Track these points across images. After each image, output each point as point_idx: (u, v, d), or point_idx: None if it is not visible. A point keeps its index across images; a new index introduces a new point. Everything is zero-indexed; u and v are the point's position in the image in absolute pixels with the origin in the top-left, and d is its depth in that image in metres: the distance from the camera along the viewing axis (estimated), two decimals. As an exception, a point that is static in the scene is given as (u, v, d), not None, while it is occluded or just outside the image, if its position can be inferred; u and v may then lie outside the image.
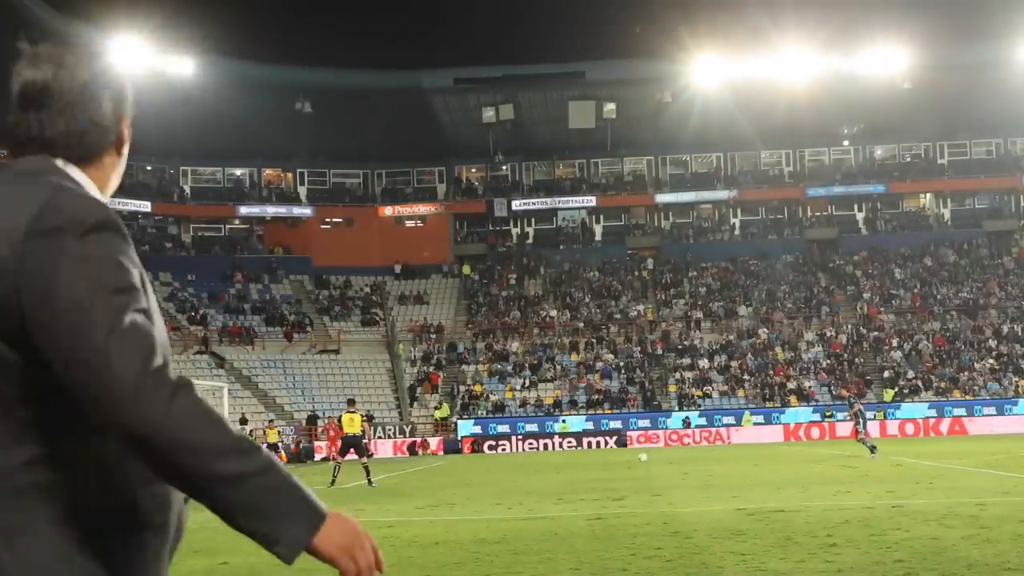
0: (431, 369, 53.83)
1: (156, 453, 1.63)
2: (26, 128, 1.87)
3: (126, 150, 2.01)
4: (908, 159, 65.94)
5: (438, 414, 50.02)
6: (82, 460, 1.74)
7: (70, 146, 1.87)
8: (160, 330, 1.81)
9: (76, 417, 1.71)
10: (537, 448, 46.70)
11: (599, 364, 53.24)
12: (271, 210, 63.28)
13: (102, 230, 1.72)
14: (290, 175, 64.93)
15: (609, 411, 49.81)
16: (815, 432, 46.80)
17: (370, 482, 23.47)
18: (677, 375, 52.27)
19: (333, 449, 27.01)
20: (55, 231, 1.69)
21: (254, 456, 1.68)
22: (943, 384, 50.21)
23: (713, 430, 47.37)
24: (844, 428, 42.47)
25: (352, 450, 24.54)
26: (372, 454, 28.83)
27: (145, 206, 60.06)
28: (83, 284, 1.66)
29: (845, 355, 53.14)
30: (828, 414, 46.97)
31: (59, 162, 1.86)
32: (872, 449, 28.72)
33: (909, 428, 46.82)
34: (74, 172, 1.87)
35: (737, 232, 65.21)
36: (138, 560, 1.79)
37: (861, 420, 29.28)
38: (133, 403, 1.62)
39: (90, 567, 1.72)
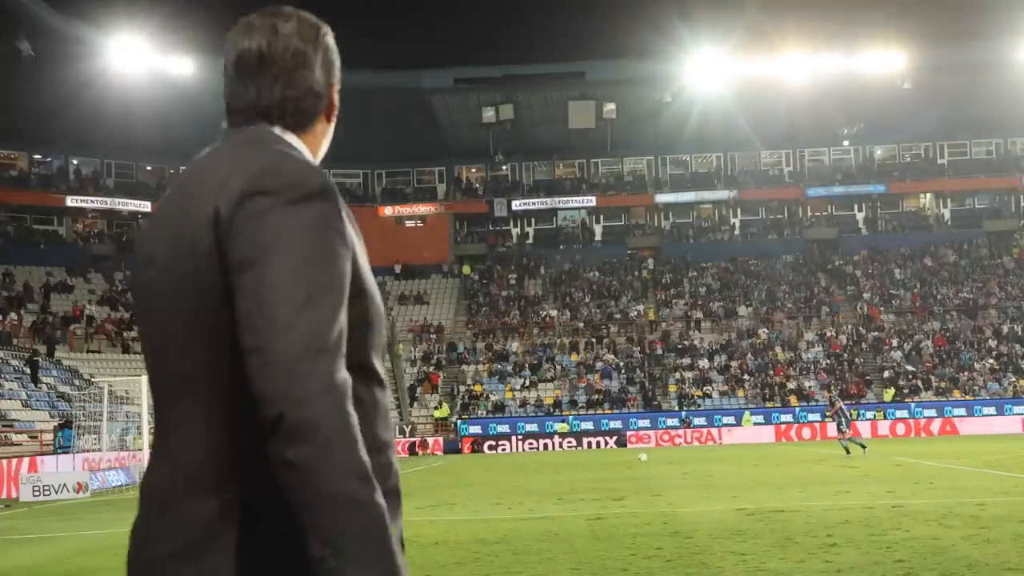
0: (431, 369, 53.83)
1: (279, 437, 1.56)
2: (242, 97, 1.87)
3: (335, 117, 1.98)
4: (908, 159, 65.93)
5: (438, 414, 50.02)
6: None
7: (285, 113, 1.87)
8: (375, 310, 1.77)
9: None
10: (537, 448, 46.70)
11: (599, 364, 53.23)
12: (271, 210, 63.21)
13: (317, 199, 1.67)
14: (290, 175, 64.86)
15: (609, 411, 49.80)
16: (807, 432, 46.77)
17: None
18: (677, 375, 52.26)
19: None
20: (270, 193, 1.66)
21: (368, 488, 1.57)
22: (943, 384, 50.21)
23: (705, 430, 47.37)
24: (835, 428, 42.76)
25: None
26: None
27: (145, 206, 59.96)
28: (282, 251, 1.62)
29: (845, 355, 53.13)
30: (829, 414, 46.93)
31: (277, 129, 1.85)
32: (847, 450, 28.97)
33: (900, 428, 46.85)
34: (292, 139, 1.86)
35: (737, 232, 65.20)
36: (396, 526, 1.72)
37: (843, 419, 29.59)
38: (283, 380, 1.56)
39: None
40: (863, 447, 28.81)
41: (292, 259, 1.61)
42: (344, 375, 1.61)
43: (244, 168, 1.71)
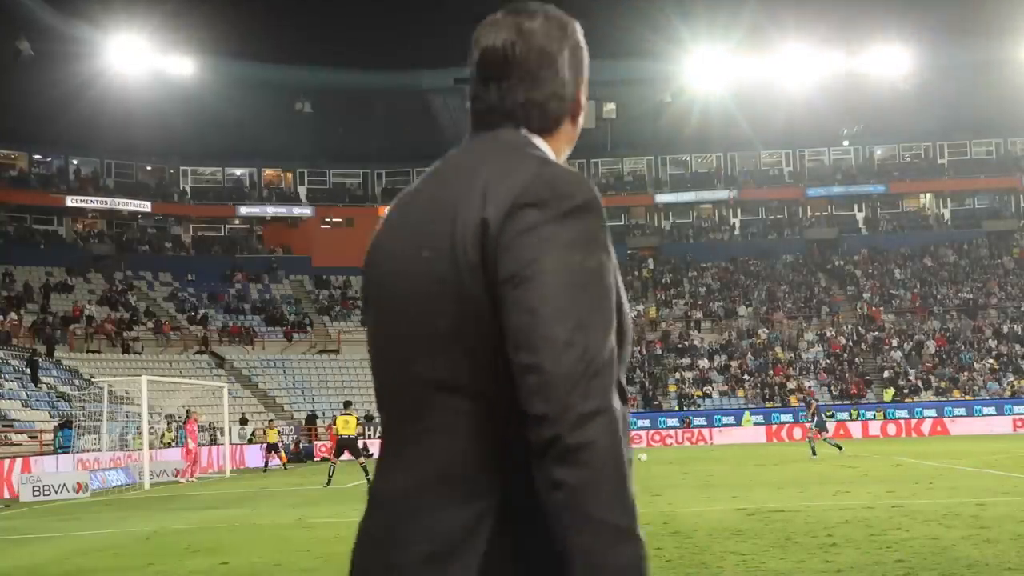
0: (431, 369, 53.77)
1: (552, 459, 1.51)
2: (486, 99, 1.81)
3: (582, 118, 1.90)
4: (908, 159, 65.93)
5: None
6: None
7: (531, 116, 1.79)
8: (628, 324, 1.73)
9: None
10: (537, 448, 46.56)
11: (599, 364, 53.14)
12: (271, 210, 63.28)
13: (588, 212, 1.62)
14: (290, 175, 64.93)
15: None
16: (797, 432, 46.72)
17: (369, 481, 23.46)
18: (677, 375, 52.26)
19: (332, 449, 27.25)
20: (541, 205, 1.60)
21: (633, 519, 1.54)
22: (943, 384, 50.21)
23: (696, 430, 47.34)
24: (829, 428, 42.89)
25: (347, 451, 24.71)
26: (371, 454, 28.81)
27: (145, 206, 60.03)
28: (556, 266, 1.56)
29: (845, 355, 53.13)
30: (829, 414, 46.92)
31: (523, 132, 1.79)
32: (839, 447, 29.04)
33: (895, 428, 46.85)
34: (539, 143, 1.79)
35: (737, 232, 65.21)
36: None
37: (821, 420, 29.66)
38: (561, 402, 1.51)
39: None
40: (814, 452, 28.87)
41: (567, 276, 1.56)
42: (616, 398, 1.56)
43: (509, 176, 1.65)
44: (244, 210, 62.67)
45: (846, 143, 65.63)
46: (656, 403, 50.40)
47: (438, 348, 1.67)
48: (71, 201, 57.45)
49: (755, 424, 47.89)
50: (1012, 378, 50.01)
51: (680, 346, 54.48)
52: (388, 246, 1.78)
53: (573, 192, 1.62)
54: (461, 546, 1.62)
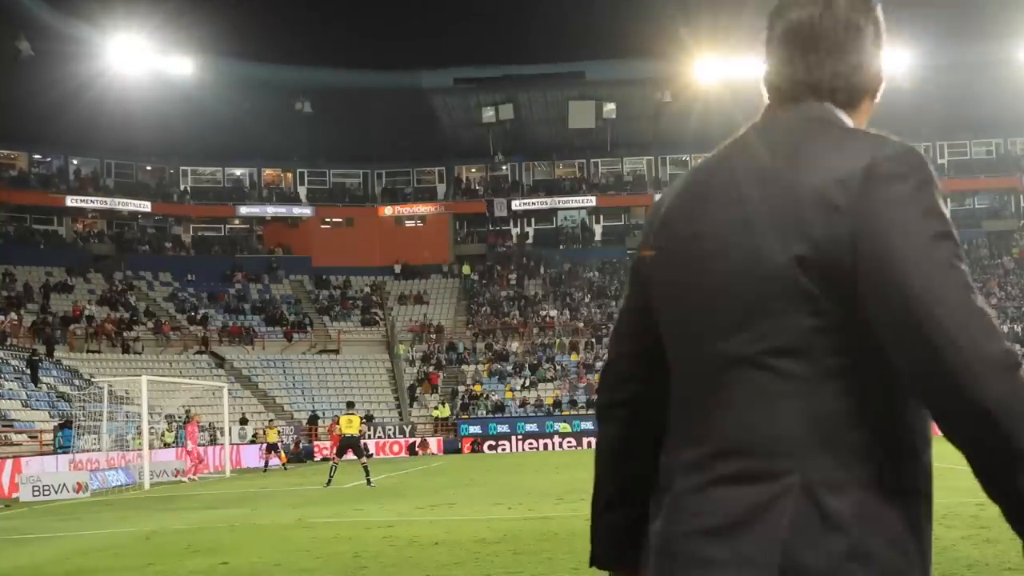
0: (431, 369, 53.83)
1: (989, 433, 1.48)
2: (790, 72, 1.79)
3: (879, 94, 1.85)
4: (908, 159, 65.98)
5: (436, 414, 50.03)
6: (885, 418, 1.62)
7: (836, 90, 1.76)
8: None
9: (882, 372, 1.58)
10: (537, 448, 46.71)
11: (599, 364, 53.24)
12: (271, 210, 63.29)
13: (936, 183, 1.60)
14: (290, 175, 64.94)
15: (609, 411, 49.74)
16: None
17: (369, 482, 23.49)
18: (677, 375, 52.23)
19: (333, 449, 27.28)
20: (897, 178, 1.58)
21: None
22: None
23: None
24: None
25: (351, 450, 24.72)
26: (372, 454, 28.95)
27: (145, 206, 60.05)
28: (925, 242, 1.53)
29: (845, 355, 53.14)
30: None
31: (828, 106, 1.75)
32: None
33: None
34: (845, 118, 1.75)
35: (737, 232, 65.21)
36: (927, 532, 1.65)
37: None
38: (983, 379, 1.47)
39: (899, 533, 1.59)
40: None
41: (941, 252, 1.53)
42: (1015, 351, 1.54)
43: (847, 151, 1.63)
44: (244, 210, 62.69)
45: (846, 143, 65.64)
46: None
47: (747, 324, 1.63)
48: (71, 201, 57.48)
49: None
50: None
51: (680, 346, 54.46)
52: (691, 220, 1.74)
53: (922, 164, 1.61)
54: (752, 523, 1.58)
